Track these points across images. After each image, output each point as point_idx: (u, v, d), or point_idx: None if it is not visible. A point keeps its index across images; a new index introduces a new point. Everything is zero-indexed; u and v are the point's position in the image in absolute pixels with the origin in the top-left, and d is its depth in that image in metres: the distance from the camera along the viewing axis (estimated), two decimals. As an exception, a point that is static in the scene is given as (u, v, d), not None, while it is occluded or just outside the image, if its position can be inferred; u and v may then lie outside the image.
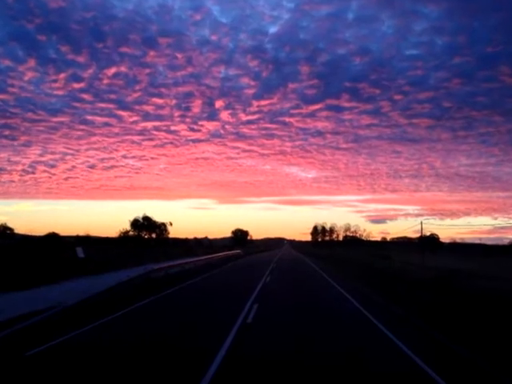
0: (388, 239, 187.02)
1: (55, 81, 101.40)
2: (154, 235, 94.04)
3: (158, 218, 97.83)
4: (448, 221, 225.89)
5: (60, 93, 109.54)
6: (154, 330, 10.24)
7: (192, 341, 9.06)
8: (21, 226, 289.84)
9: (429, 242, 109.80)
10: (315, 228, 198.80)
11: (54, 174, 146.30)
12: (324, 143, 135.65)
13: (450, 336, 9.64)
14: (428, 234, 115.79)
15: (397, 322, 11.74)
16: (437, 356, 8.14)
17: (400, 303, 14.45)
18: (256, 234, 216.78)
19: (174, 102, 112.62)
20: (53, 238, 68.89)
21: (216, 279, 24.21)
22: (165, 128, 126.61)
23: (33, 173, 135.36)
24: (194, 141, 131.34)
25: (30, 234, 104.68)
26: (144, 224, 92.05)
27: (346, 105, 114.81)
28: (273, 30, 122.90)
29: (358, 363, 7.51)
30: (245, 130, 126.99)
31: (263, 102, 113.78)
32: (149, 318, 11.79)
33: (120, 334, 9.90)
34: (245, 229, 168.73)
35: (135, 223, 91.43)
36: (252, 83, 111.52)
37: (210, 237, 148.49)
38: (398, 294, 16.60)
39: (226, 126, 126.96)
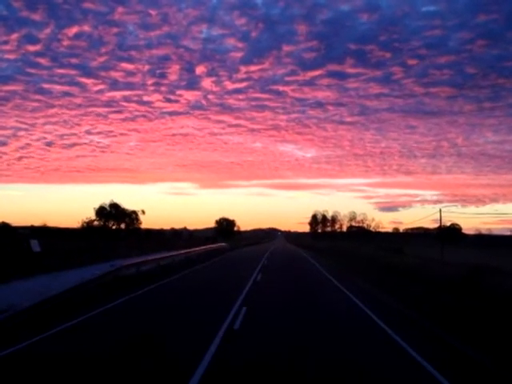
0: (401, 230, 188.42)
1: (6, 42, 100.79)
2: (123, 225, 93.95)
3: (128, 205, 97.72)
4: (472, 208, 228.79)
5: (11, 57, 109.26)
6: (118, 341, 10.09)
7: (163, 355, 9.01)
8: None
9: (449, 234, 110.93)
10: (314, 217, 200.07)
11: (4, 154, 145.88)
12: (325, 116, 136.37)
13: (487, 354, 9.19)
14: (448, 223, 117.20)
15: (421, 337, 11.24)
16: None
17: (419, 310, 14.37)
18: (244, 224, 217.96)
19: (146, 67, 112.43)
20: (3, 228, 68.59)
21: (196, 278, 24.35)
22: (136, 98, 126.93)
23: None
24: (170, 113, 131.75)
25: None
26: (111, 212, 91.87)
27: (351, 71, 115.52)
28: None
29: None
30: (231, 100, 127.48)
31: (252, 68, 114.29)
32: (114, 327, 11.81)
33: (80, 345, 9.85)
34: (231, 218, 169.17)
35: (101, 211, 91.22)
36: (239, 45, 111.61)
37: (190, 227, 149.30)
38: (414, 297, 16.62)
39: (209, 96, 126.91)
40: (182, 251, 38.30)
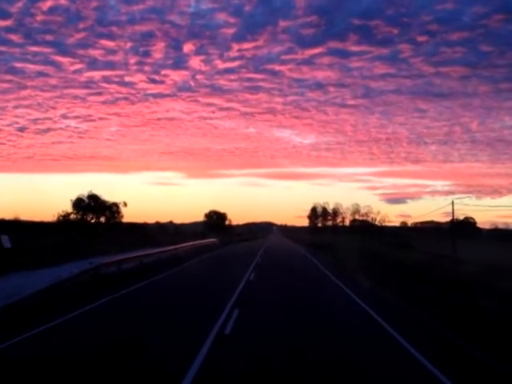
0: (409, 224, 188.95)
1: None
2: (102, 219, 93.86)
3: (108, 196, 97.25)
4: (487, 200, 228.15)
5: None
6: (98, 347, 10.14)
7: (149, 360, 9.15)
8: None
9: (462, 228, 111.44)
10: (314, 210, 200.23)
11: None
12: (325, 99, 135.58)
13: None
14: (461, 217, 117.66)
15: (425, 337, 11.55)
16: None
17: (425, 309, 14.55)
18: (236, 217, 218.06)
19: (129, 45, 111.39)
20: (-31, 222, 68.49)
21: (183, 277, 24.56)
22: (117, 79, 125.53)
23: None
24: (155, 96, 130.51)
25: None
26: (90, 204, 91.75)
27: (355, 49, 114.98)
28: None
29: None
30: (222, 81, 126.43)
31: (246, 45, 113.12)
32: (94, 331, 11.90)
33: (57, 350, 9.92)
34: (222, 211, 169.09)
35: (79, 203, 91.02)
36: (231, 20, 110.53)
37: (177, 221, 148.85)
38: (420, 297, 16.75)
39: (198, 77, 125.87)
40: (169, 248, 38.43)
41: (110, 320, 13.10)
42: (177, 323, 12.70)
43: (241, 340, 10.76)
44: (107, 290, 18.10)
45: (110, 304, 15.57)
